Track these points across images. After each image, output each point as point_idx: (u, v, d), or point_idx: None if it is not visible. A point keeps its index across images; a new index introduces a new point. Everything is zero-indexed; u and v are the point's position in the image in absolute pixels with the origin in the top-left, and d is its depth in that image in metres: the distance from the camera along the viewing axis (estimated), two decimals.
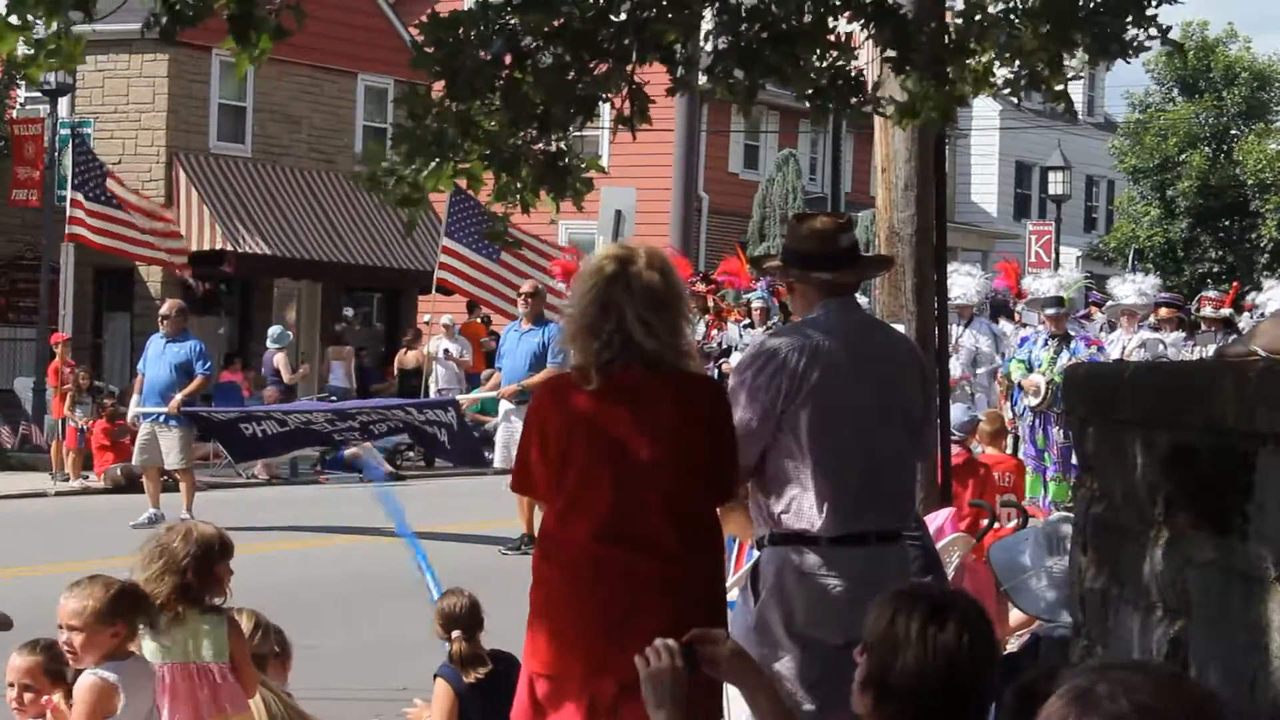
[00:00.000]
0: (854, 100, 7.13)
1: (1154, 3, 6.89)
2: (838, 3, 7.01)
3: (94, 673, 5.33)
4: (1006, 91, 7.48)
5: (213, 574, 5.78)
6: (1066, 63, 7.09)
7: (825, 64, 7.04)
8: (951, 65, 7.07)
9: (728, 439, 5.07)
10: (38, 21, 5.97)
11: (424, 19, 6.72)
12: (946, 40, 7.08)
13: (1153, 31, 6.86)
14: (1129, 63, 7.06)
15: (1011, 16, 7.11)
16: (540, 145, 6.95)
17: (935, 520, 8.17)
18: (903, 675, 3.38)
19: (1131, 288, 19.25)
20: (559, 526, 4.97)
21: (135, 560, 5.82)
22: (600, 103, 6.94)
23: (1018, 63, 7.07)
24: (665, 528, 4.87)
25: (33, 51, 6.04)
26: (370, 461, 17.97)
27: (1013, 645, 8.54)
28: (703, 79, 7.18)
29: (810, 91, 7.01)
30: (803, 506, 5.26)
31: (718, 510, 5.27)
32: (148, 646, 5.73)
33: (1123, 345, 17.62)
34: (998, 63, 7.24)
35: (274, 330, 24.85)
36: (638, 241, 5.35)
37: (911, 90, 7.09)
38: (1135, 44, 6.85)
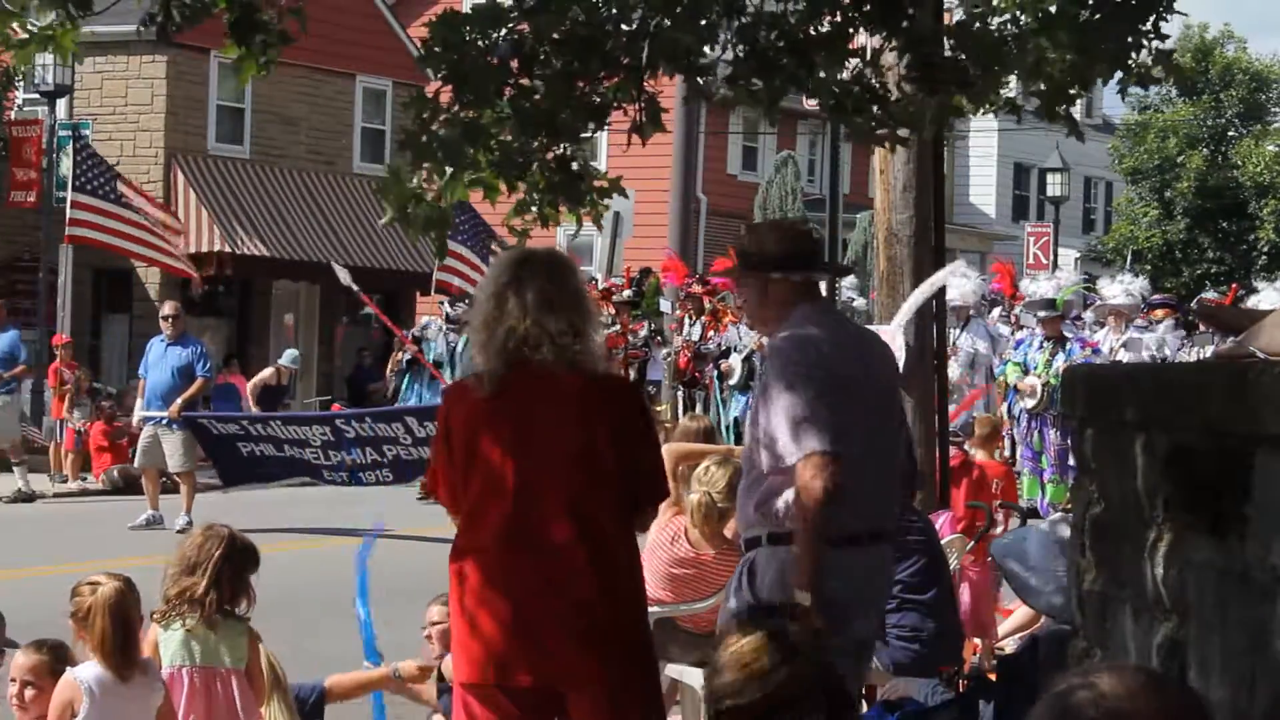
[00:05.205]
0: (876, 111, 6.94)
1: (1151, 19, 6.68)
2: (855, 15, 6.84)
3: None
4: (1006, 111, 7.29)
5: (244, 581, 5.83)
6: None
7: (846, 74, 6.90)
8: (982, 84, 6.91)
9: (638, 438, 4.98)
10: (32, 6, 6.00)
11: (430, 18, 6.55)
12: (973, 59, 6.89)
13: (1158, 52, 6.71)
14: (1145, 90, 6.96)
15: (1040, 40, 6.79)
16: (551, 153, 6.81)
17: (935, 522, 8.17)
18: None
19: (1119, 288, 19.33)
20: (466, 534, 4.92)
21: (171, 560, 5.84)
22: (611, 110, 6.79)
23: (1043, 84, 6.86)
24: (568, 531, 4.81)
25: (26, 38, 6.06)
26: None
27: (1011, 646, 8.55)
28: (723, 89, 7.06)
29: (831, 103, 6.80)
30: None
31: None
32: (171, 648, 5.74)
33: (1110, 345, 17.68)
34: (1017, 83, 7.06)
35: (290, 354, 24.87)
36: (539, 245, 5.39)
37: (912, 97, 6.99)
38: (1144, 70, 6.69)
